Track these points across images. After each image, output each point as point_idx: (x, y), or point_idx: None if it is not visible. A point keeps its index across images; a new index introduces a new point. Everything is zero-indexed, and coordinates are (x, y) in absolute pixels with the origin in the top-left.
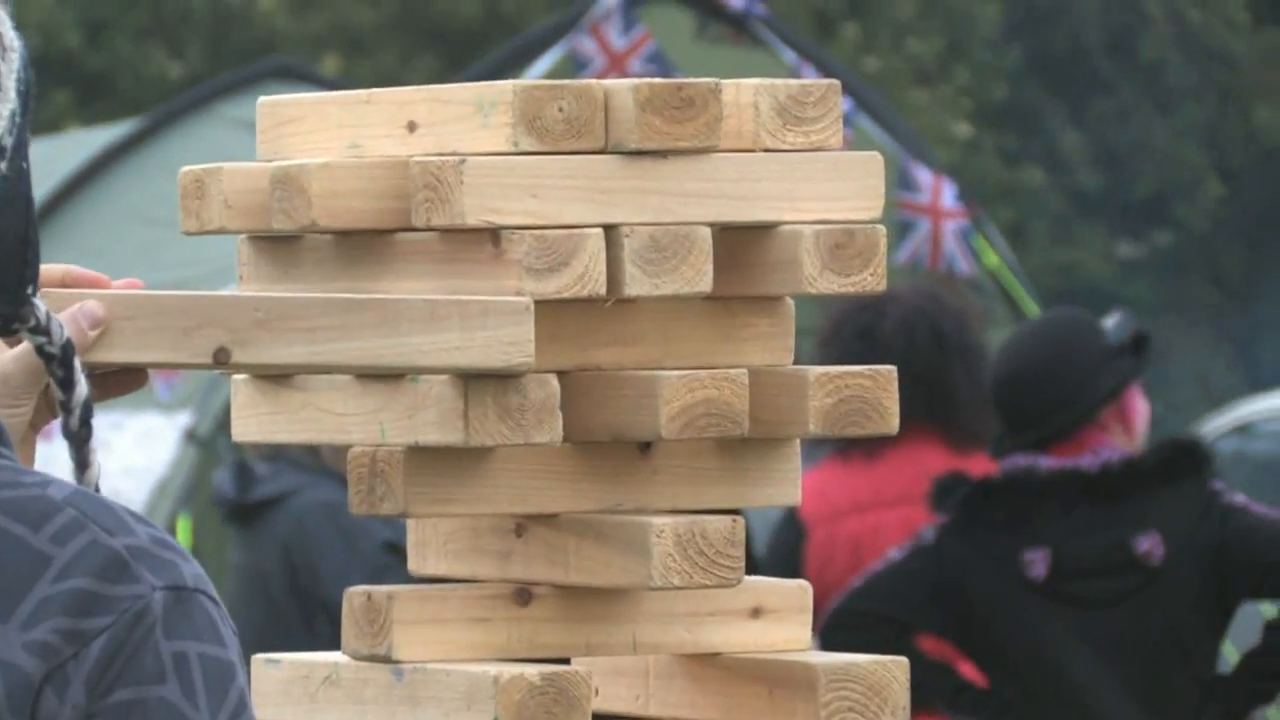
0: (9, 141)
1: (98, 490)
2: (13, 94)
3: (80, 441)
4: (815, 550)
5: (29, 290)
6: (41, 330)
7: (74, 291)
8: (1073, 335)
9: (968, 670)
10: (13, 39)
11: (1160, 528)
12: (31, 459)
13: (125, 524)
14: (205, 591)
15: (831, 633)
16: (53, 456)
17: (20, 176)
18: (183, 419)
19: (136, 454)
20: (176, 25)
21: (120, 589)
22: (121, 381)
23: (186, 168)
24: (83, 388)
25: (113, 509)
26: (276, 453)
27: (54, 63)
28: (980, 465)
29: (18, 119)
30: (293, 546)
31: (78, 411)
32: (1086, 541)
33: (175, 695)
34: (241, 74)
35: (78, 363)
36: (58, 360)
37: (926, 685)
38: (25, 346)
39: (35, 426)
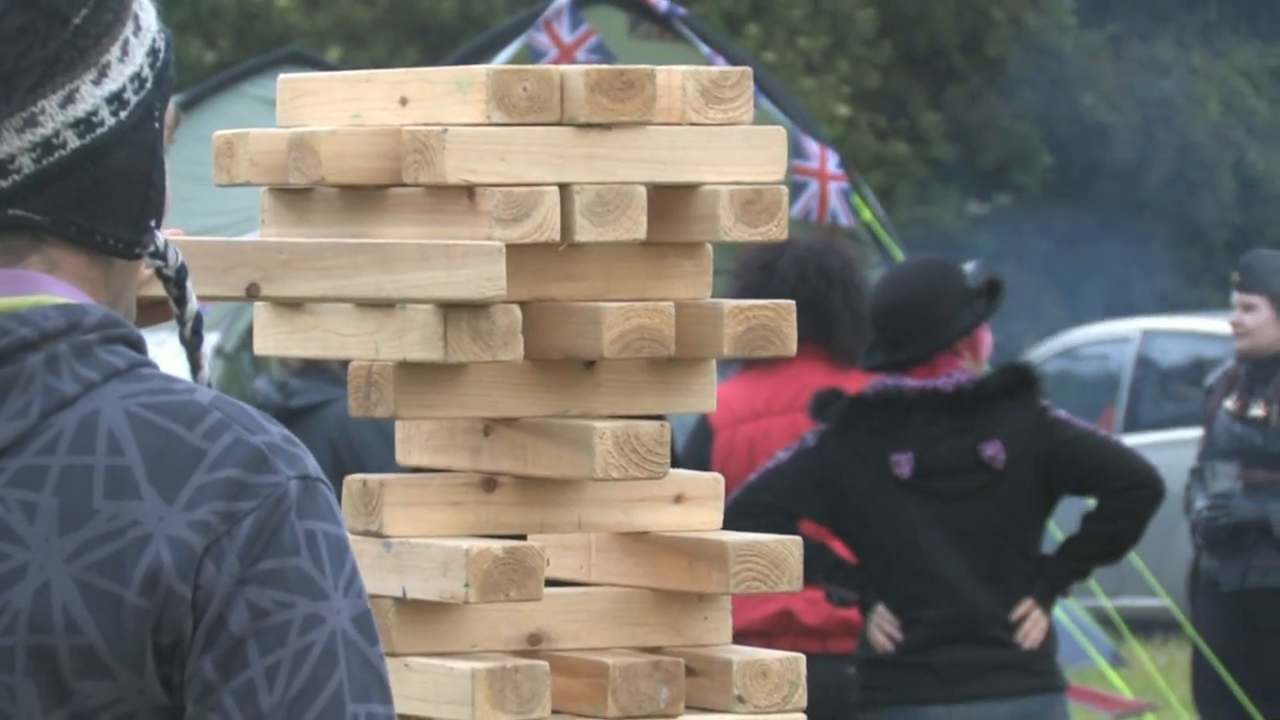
0: (132, 98)
1: (210, 386)
2: (140, 60)
3: (193, 348)
4: (719, 449)
5: (150, 222)
6: (160, 256)
7: None
8: (939, 277)
9: (839, 549)
10: (150, 22)
11: (1002, 437)
12: None
13: (260, 424)
14: (323, 480)
15: (731, 519)
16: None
17: (143, 126)
18: (213, 338)
19: (176, 365)
20: (209, 20)
21: (262, 478)
22: (165, 310)
23: (219, 132)
24: (193, 304)
25: (248, 411)
26: (308, 368)
27: None
28: (856, 381)
29: (145, 84)
30: (338, 444)
31: (190, 323)
32: (943, 448)
33: (307, 564)
34: (262, 60)
35: (189, 283)
36: (173, 281)
37: (808, 562)
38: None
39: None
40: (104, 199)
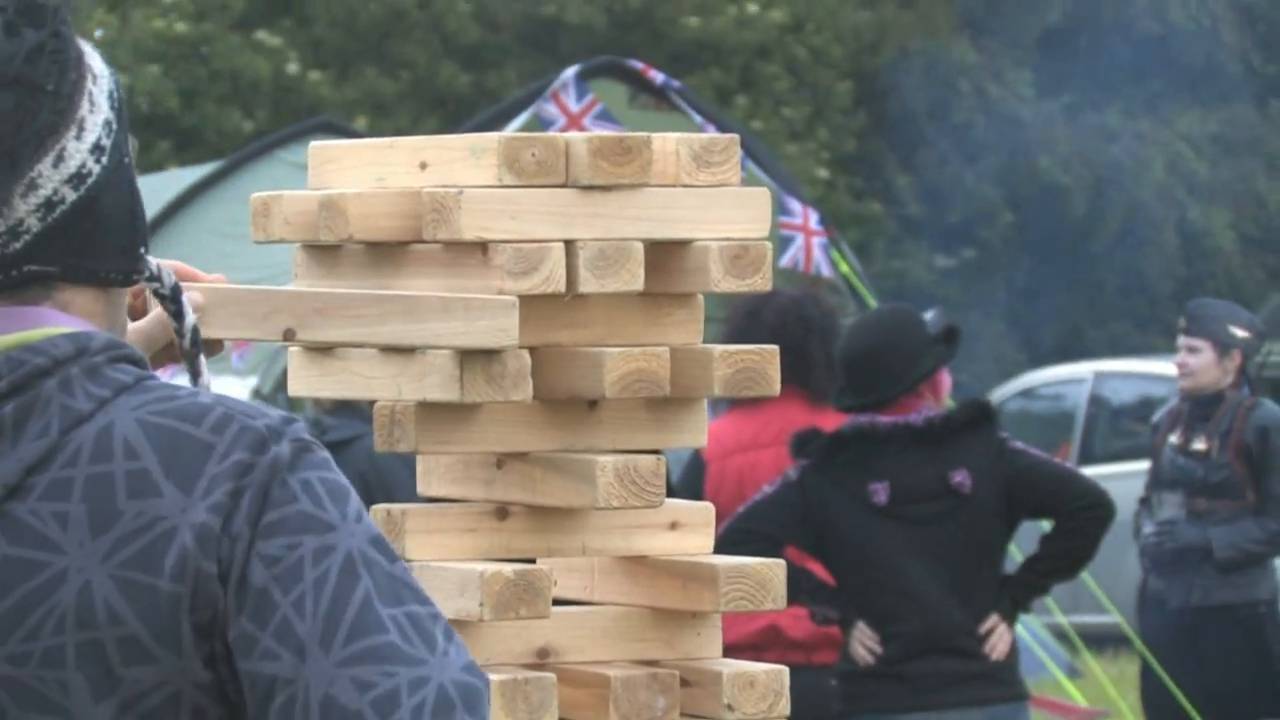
0: (106, 143)
1: (208, 390)
2: (105, 107)
3: (191, 358)
4: (711, 479)
5: (141, 250)
6: (154, 278)
7: (183, 284)
8: (902, 326)
9: (820, 572)
10: (101, 68)
11: (968, 465)
12: None
13: (261, 411)
14: (319, 447)
15: (723, 546)
16: None
17: (119, 168)
18: (251, 381)
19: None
20: (248, 92)
21: (263, 455)
22: (206, 349)
23: (256, 194)
24: (190, 318)
25: (247, 403)
26: (340, 407)
27: (158, 120)
28: (831, 418)
29: (113, 126)
30: (369, 477)
31: (188, 335)
32: (916, 476)
33: (307, 505)
34: (296, 129)
35: (185, 298)
36: (168, 299)
37: (792, 583)
38: (156, 313)
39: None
40: (102, 239)
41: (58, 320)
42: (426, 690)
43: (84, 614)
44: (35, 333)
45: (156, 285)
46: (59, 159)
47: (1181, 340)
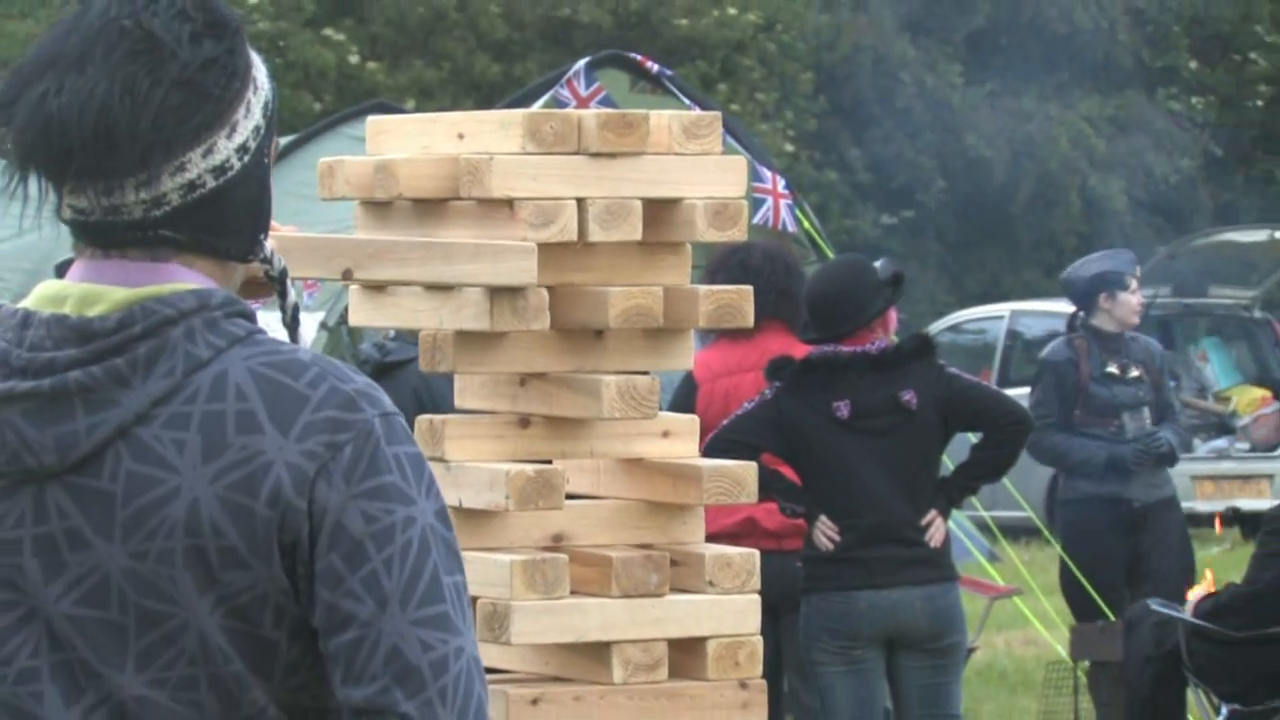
0: (252, 145)
1: None
2: (258, 115)
3: (291, 330)
4: (702, 398)
5: (261, 235)
6: (266, 260)
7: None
8: (857, 272)
9: (789, 474)
10: (264, 82)
11: (914, 386)
12: None
13: (349, 375)
14: (397, 413)
15: (710, 453)
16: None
17: (259, 165)
18: (319, 315)
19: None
20: (317, 79)
21: (355, 416)
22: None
23: (323, 159)
24: (291, 297)
25: (339, 365)
26: (400, 334)
27: None
28: (804, 349)
29: (261, 131)
30: (420, 391)
31: (289, 311)
32: (872, 396)
33: (399, 480)
34: (355, 109)
35: (289, 282)
36: (276, 280)
37: (766, 483)
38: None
39: None
40: (228, 222)
41: (185, 277)
42: (463, 661)
43: (192, 525)
44: (165, 287)
45: (268, 267)
46: (209, 151)
47: (1136, 286)
